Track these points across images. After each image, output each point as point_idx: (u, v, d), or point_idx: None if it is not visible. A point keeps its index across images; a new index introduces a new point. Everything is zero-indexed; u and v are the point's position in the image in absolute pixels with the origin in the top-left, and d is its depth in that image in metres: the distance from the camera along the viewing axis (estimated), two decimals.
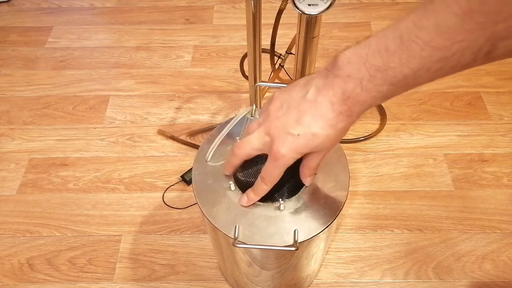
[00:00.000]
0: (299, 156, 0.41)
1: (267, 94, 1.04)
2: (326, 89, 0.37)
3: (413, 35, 0.30)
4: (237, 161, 0.47)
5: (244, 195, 0.49)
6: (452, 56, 0.30)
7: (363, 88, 0.34)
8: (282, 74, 0.92)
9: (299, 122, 0.39)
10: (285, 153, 0.40)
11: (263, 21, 0.61)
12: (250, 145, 0.44)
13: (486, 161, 0.90)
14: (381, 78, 0.33)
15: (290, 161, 0.41)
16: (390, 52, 0.32)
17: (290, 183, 0.52)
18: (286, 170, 0.61)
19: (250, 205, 0.49)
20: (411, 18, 0.31)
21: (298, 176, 0.52)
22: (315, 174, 0.48)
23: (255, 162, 0.62)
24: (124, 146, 0.94)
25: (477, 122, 0.96)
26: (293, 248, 0.46)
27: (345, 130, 0.39)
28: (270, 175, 0.44)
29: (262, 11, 0.60)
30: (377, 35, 0.33)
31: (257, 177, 0.62)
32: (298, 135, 0.39)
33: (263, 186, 0.46)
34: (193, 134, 0.95)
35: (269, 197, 0.63)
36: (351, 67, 0.34)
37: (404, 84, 0.33)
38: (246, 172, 0.60)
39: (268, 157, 0.42)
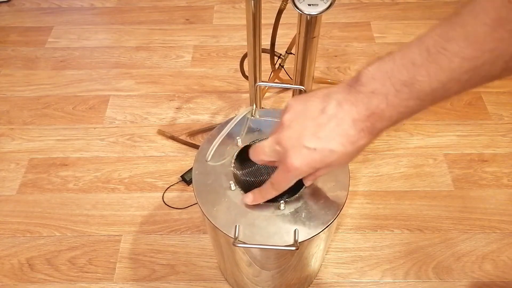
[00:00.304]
0: (312, 171, 0.39)
1: (267, 94, 1.04)
2: (348, 104, 0.35)
3: (440, 47, 0.30)
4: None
5: (250, 194, 0.49)
6: (482, 66, 0.29)
7: (389, 104, 0.33)
8: (282, 74, 0.93)
9: (316, 135, 0.37)
10: (298, 167, 0.38)
11: (263, 21, 0.61)
12: (262, 152, 0.42)
13: (486, 161, 0.90)
14: (407, 93, 0.32)
15: (302, 175, 0.40)
16: (416, 66, 0.31)
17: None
18: None
19: (249, 206, 0.49)
20: (436, 31, 0.31)
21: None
22: None
23: (254, 163, 0.62)
24: (124, 146, 0.94)
25: (477, 122, 0.96)
26: (293, 248, 0.46)
27: (364, 147, 0.37)
28: (280, 184, 0.43)
29: (262, 11, 0.59)
30: (401, 50, 0.33)
31: (257, 177, 0.62)
32: (315, 149, 0.37)
33: (271, 191, 0.45)
34: (193, 134, 0.95)
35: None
36: (375, 83, 0.33)
37: (432, 98, 0.32)
38: (246, 172, 0.60)
39: (280, 167, 0.41)
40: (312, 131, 0.37)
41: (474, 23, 0.29)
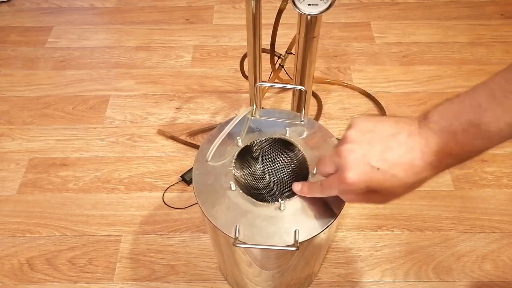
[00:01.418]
0: (366, 190, 0.39)
1: (267, 94, 1.04)
2: (419, 137, 0.36)
3: (507, 92, 0.32)
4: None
5: (300, 184, 0.50)
6: None
7: (457, 143, 0.34)
8: (282, 74, 0.93)
9: (383, 157, 0.37)
10: (354, 182, 0.38)
11: (263, 21, 0.61)
12: (323, 163, 0.43)
13: (486, 161, 0.90)
14: (474, 133, 0.34)
15: (356, 191, 0.40)
16: (483, 108, 0.33)
17: (290, 184, 0.52)
18: (287, 171, 0.62)
19: (250, 206, 0.49)
20: (502, 75, 0.33)
21: (299, 178, 0.52)
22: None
23: (255, 162, 0.62)
24: (124, 146, 0.94)
25: None
26: (293, 248, 0.46)
27: (425, 181, 0.38)
28: (328, 189, 0.44)
29: (262, 11, 0.60)
30: (469, 93, 0.35)
31: (256, 176, 0.62)
32: (378, 169, 0.37)
33: (317, 192, 0.46)
34: (193, 134, 0.95)
35: (270, 197, 0.63)
36: (444, 122, 0.35)
37: (498, 138, 0.34)
38: (247, 172, 0.60)
39: (336, 175, 0.41)
40: (380, 152, 0.38)
41: None
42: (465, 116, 0.34)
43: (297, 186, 0.50)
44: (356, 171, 0.38)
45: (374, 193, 0.39)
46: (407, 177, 0.37)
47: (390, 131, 0.38)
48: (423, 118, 0.37)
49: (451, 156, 0.35)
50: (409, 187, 0.38)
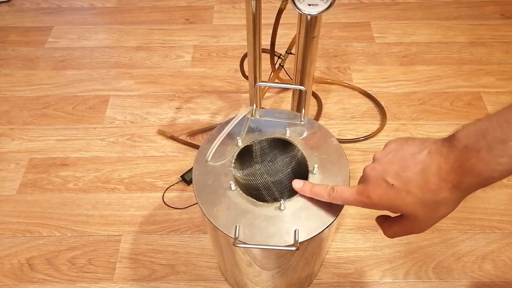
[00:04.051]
0: (382, 209, 0.40)
1: (267, 94, 1.04)
2: (438, 154, 0.36)
3: None
4: None
5: (301, 182, 0.50)
6: None
7: (480, 159, 0.33)
8: (282, 74, 0.93)
9: (398, 174, 0.38)
10: (371, 197, 0.40)
11: (263, 21, 0.61)
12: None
13: None
14: (501, 149, 0.33)
15: (371, 208, 0.41)
16: (510, 124, 0.33)
17: (290, 184, 0.52)
18: (287, 171, 0.62)
19: (250, 206, 0.49)
20: None
21: (298, 178, 0.52)
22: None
23: (254, 162, 0.62)
24: (124, 146, 0.94)
25: None
26: (293, 248, 0.46)
27: (448, 203, 0.37)
28: (341, 195, 0.45)
29: (262, 11, 0.59)
30: (497, 111, 0.34)
31: (256, 176, 0.62)
32: (392, 185, 0.38)
33: (324, 194, 0.47)
34: (193, 134, 0.95)
35: (269, 197, 0.63)
36: (469, 139, 0.34)
37: None
38: (246, 172, 0.60)
39: (357, 187, 0.43)
40: (396, 170, 0.38)
41: None
42: (492, 132, 0.33)
43: (297, 184, 0.50)
44: (375, 188, 0.40)
45: (402, 219, 0.40)
46: (423, 194, 0.37)
47: (412, 150, 0.39)
48: (451, 137, 0.36)
49: (474, 174, 0.34)
50: (430, 208, 0.37)
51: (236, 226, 0.48)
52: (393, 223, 0.43)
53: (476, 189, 0.35)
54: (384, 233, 0.45)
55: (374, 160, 0.42)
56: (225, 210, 0.49)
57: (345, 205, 0.50)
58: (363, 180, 0.42)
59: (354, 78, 1.07)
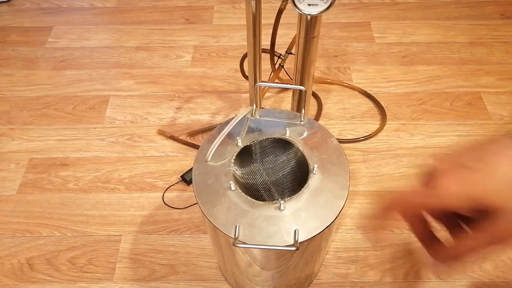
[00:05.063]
0: (464, 204, 0.30)
1: (267, 94, 1.04)
2: None
3: None
4: None
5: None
6: None
7: None
8: (282, 74, 0.93)
9: (479, 157, 0.30)
10: (446, 187, 0.31)
11: (263, 21, 0.61)
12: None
13: None
14: None
15: (449, 204, 0.31)
16: None
17: (290, 184, 0.52)
18: (286, 171, 0.62)
19: (250, 206, 0.49)
20: None
21: (299, 177, 0.52)
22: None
23: (254, 162, 0.62)
24: (124, 146, 0.94)
25: (477, 122, 0.96)
26: (293, 248, 0.46)
27: None
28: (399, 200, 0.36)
29: (262, 11, 0.59)
30: None
31: (256, 176, 0.62)
32: (474, 168, 0.30)
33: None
34: (193, 134, 0.95)
35: (269, 197, 0.63)
36: None
37: None
38: (246, 172, 0.60)
39: (421, 185, 0.34)
40: (475, 154, 0.31)
41: None
42: None
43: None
44: (451, 178, 0.30)
45: (482, 222, 0.31)
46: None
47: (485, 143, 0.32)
48: None
49: None
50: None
51: (236, 226, 0.48)
52: (462, 236, 0.32)
53: None
54: (445, 257, 0.35)
55: (449, 153, 0.33)
56: (225, 210, 0.50)
57: (345, 205, 0.50)
58: (430, 171, 0.33)
59: (354, 78, 1.07)
